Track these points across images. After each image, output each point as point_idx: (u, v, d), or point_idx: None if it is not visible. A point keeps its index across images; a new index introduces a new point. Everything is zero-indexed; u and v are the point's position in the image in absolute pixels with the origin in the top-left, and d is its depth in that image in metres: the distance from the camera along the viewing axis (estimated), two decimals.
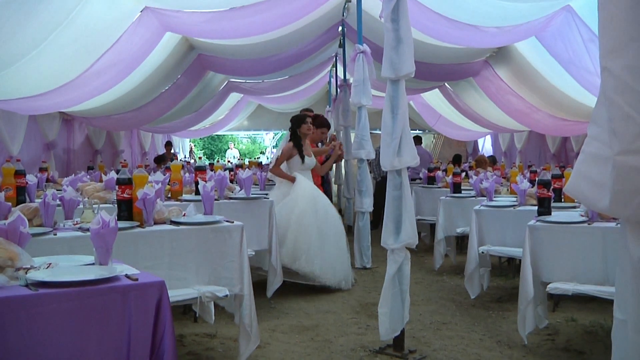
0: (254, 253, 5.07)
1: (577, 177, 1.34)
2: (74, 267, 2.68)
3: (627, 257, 1.27)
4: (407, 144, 4.32)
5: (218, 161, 13.67)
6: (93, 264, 2.74)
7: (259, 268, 5.82)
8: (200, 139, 29.33)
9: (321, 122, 7.88)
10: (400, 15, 4.25)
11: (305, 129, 6.71)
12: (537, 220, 4.57)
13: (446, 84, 12.34)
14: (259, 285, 5.44)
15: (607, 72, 1.25)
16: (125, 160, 11.99)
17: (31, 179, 5.51)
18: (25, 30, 5.67)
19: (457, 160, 13.07)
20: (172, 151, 15.37)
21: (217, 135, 26.78)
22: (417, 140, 13.17)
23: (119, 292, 2.42)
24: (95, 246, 2.68)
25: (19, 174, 5.23)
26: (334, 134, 9.71)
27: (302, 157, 6.65)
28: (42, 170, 8.20)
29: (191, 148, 22.02)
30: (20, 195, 5.15)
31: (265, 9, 7.41)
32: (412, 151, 4.33)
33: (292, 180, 6.58)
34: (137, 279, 2.49)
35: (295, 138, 6.71)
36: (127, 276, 2.53)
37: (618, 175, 1.21)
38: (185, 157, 18.24)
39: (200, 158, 9.11)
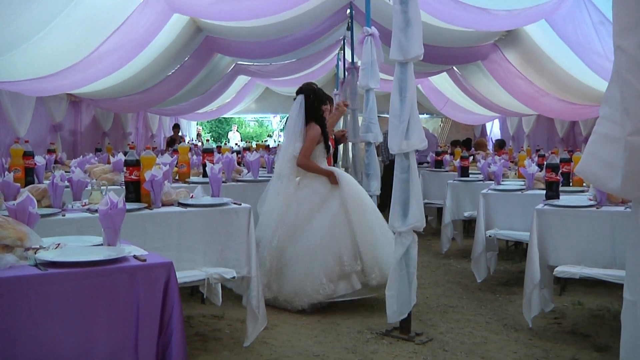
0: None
1: (589, 157, 1.33)
2: (82, 247, 2.69)
3: (638, 238, 1.26)
4: (415, 127, 4.30)
5: (225, 144, 13.67)
6: (101, 244, 2.75)
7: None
8: (208, 121, 29.29)
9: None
10: None
11: (326, 112, 5.57)
12: (545, 204, 4.57)
13: (454, 67, 12.27)
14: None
15: (620, 50, 1.24)
16: (133, 142, 12.03)
17: (39, 160, 5.54)
18: (31, 11, 5.66)
19: (467, 144, 13.04)
20: (180, 134, 15.37)
21: (224, 118, 26.76)
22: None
23: (127, 273, 2.43)
24: (104, 227, 2.69)
25: (28, 155, 5.25)
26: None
27: (327, 146, 5.43)
28: (49, 151, 8.22)
29: (199, 131, 22.01)
30: (29, 176, 5.17)
31: None
32: (420, 134, 4.32)
33: (328, 175, 5.32)
34: (145, 260, 2.50)
35: (318, 115, 5.42)
36: (135, 257, 2.54)
37: (630, 156, 1.19)
38: (192, 140, 18.23)
39: (207, 140, 9.09)
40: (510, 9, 7.28)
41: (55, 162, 7.53)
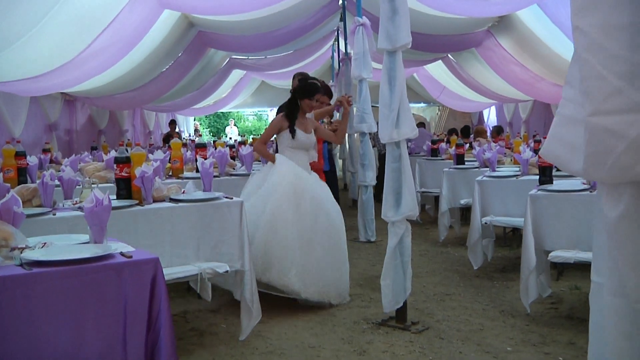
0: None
1: (552, 140, 1.32)
2: (69, 245, 2.68)
3: (602, 220, 1.26)
4: (405, 116, 4.28)
5: (220, 138, 13.66)
6: (88, 242, 2.73)
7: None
8: (206, 116, 29.28)
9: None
10: None
11: (306, 105, 5.23)
12: (539, 190, 4.55)
13: (449, 55, 12.27)
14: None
15: (579, 31, 1.22)
16: (129, 140, 12.02)
17: (32, 160, 5.52)
18: (19, 10, 5.64)
19: (465, 131, 13.02)
20: (177, 130, 15.36)
21: (222, 112, 26.72)
22: (420, 124, 13.11)
23: (114, 270, 2.42)
24: (90, 224, 2.68)
25: (20, 155, 5.24)
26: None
27: (293, 132, 5.10)
28: (45, 151, 8.21)
29: (196, 127, 21.99)
30: (22, 176, 5.16)
31: None
32: (411, 123, 4.29)
33: (273, 160, 5.14)
34: (131, 256, 2.48)
35: (291, 106, 5.23)
36: (122, 254, 2.52)
37: (590, 137, 1.19)
38: (190, 136, 18.23)
39: (200, 135, 9.08)
40: None
41: (51, 161, 7.53)
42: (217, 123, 33.22)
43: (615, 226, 1.22)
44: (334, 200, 5.23)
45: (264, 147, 5.34)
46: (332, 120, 7.93)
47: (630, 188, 1.21)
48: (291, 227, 4.75)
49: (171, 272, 3.70)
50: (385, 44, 4.27)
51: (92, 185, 3.92)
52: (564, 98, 1.30)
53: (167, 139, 13.15)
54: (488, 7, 7.74)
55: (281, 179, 4.90)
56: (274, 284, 4.67)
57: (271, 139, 5.53)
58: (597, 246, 1.31)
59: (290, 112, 5.17)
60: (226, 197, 4.12)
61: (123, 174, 3.95)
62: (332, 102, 6.11)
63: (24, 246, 2.52)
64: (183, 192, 4.16)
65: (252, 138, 13.11)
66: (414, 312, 4.60)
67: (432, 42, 9.84)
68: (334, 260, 4.93)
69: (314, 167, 5.49)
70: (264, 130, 5.42)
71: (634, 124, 1.15)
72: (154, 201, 3.93)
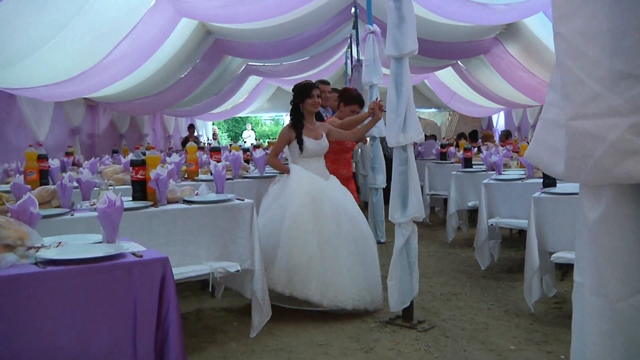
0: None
1: (536, 143, 1.31)
2: (82, 245, 2.70)
3: (582, 222, 1.25)
4: (411, 120, 4.27)
5: (235, 142, 13.71)
6: (101, 242, 2.75)
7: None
8: (224, 121, 29.35)
9: (350, 97, 6.00)
10: None
11: (310, 105, 4.97)
12: (542, 192, 4.53)
13: (459, 61, 12.22)
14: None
15: (560, 37, 1.22)
16: (149, 143, 12.07)
17: (53, 162, 5.57)
18: (42, 19, 5.69)
19: (473, 135, 12.98)
20: (195, 134, 15.42)
21: (240, 117, 26.77)
22: (432, 136, 13.13)
23: (124, 269, 2.43)
24: (103, 225, 2.70)
25: (42, 158, 5.29)
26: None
27: (300, 142, 4.88)
28: (67, 154, 8.28)
29: (214, 131, 22.06)
30: (44, 178, 5.21)
31: None
32: (417, 127, 4.28)
33: (287, 171, 4.92)
34: (141, 256, 2.49)
35: (295, 116, 5.03)
36: (133, 253, 2.53)
37: (571, 140, 1.18)
38: (208, 140, 18.29)
39: (215, 139, 9.10)
40: (508, 3, 7.22)
41: (73, 164, 7.59)
42: (235, 127, 33.32)
43: (595, 227, 1.22)
44: (355, 204, 5.01)
45: (276, 160, 5.09)
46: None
47: (610, 190, 1.20)
48: (312, 237, 4.50)
49: (184, 271, 3.72)
50: (393, 51, 4.26)
51: (109, 187, 3.95)
52: (547, 102, 1.30)
53: (185, 142, 13.22)
54: (496, 15, 7.71)
55: (297, 188, 4.66)
56: (297, 295, 4.43)
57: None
58: (579, 247, 1.31)
59: (296, 122, 4.97)
60: (238, 199, 4.13)
61: (139, 176, 3.98)
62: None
63: (39, 245, 2.54)
64: (196, 194, 4.17)
65: (268, 142, 13.11)
66: (420, 311, 4.58)
67: (442, 49, 9.82)
68: (365, 264, 4.65)
69: (343, 174, 5.44)
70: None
71: (612, 128, 1.14)
72: (168, 202, 3.96)
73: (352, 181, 5.83)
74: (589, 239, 1.22)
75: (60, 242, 2.68)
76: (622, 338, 1.19)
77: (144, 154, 4.14)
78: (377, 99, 5.29)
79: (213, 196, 4.18)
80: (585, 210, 1.24)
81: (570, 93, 1.18)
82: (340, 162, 5.79)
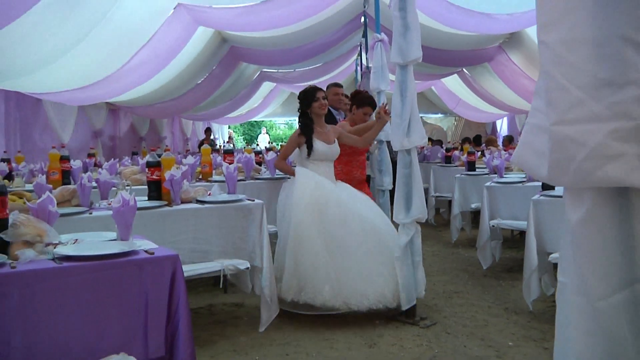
0: (275, 229, 4.83)
1: (522, 147, 1.31)
2: (97, 242, 2.71)
3: (567, 223, 1.24)
4: (415, 125, 4.26)
5: (249, 145, 13.74)
6: (115, 239, 2.76)
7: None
8: (241, 125, 29.42)
9: (362, 100, 5.73)
10: (407, 4, 4.17)
11: (317, 108, 4.77)
12: (541, 195, 4.51)
13: (464, 69, 12.17)
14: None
15: (544, 45, 1.22)
16: (167, 145, 12.12)
17: (75, 163, 5.60)
18: (66, 27, 5.73)
19: (476, 140, 12.93)
20: (212, 137, 15.47)
21: (255, 121, 26.80)
22: (437, 141, 13.07)
23: (136, 265, 2.43)
24: (117, 223, 2.71)
25: (64, 159, 5.32)
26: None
27: (310, 147, 4.69)
28: (90, 155, 8.34)
29: (230, 134, 22.11)
30: (66, 178, 5.24)
31: (291, 2, 7.38)
32: (421, 131, 4.27)
33: (294, 174, 4.72)
34: (153, 253, 2.50)
35: (304, 121, 4.81)
36: (145, 251, 2.54)
37: (554, 145, 1.18)
38: (224, 143, 18.34)
39: (228, 142, 9.12)
40: (511, 13, 7.19)
41: (95, 165, 7.63)
42: (251, 131, 33.39)
43: (577, 229, 1.21)
44: (368, 200, 4.82)
45: (283, 163, 4.90)
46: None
47: (591, 193, 1.20)
48: (318, 241, 4.27)
49: (196, 268, 3.73)
50: (398, 59, 4.26)
51: (126, 187, 3.97)
52: (533, 108, 1.30)
53: (202, 145, 13.26)
54: (499, 24, 7.68)
55: (302, 191, 4.45)
56: (312, 302, 4.19)
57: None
58: (563, 248, 1.31)
59: (305, 127, 4.75)
60: (248, 199, 4.14)
61: (154, 177, 3.99)
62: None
63: (56, 242, 2.56)
64: (209, 194, 4.18)
65: (280, 145, 13.12)
66: (423, 308, 4.56)
67: (447, 57, 9.80)
68: (382, 261, 4.35)
69: (357, 177, 5.30)
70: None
71: (594, 133, 1.14)
72: (182, 202, 3.97)
73: (365, 184, 5.62)
74: (571, 240, 1.22)
75: (76, 239, 2.69)
76: (602, 336, 1.18)
77: (160, 156, 4.15)
78: (383, 104, 5.04)
79: (225, 196, 4.19)
80: (568, 212, 1.24)
81: (553, 99, 1.18)
82: (354, 164, 5.49)
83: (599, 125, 1.13)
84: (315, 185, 4.52)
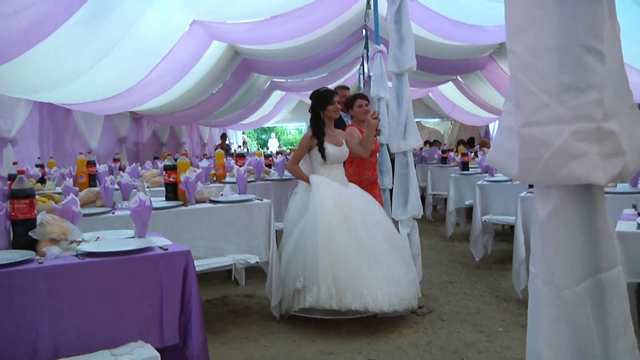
0: (282, 226, 4.62)
1: (495, 148, 1.31)
2: (116, 240, 2.72)
3: (536, 217, 1.24)
4: (411, 129, 4.26)
5: (259, 149, 13.75)
6: (133, 237, 2.77)
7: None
8: (254, 130, 29.44)
9: (350, 100, 5.41)
10: (402, 17, 4.18)
11: (331, 111, 4.37)
12: (528, 192, 4.48)
13: (458, 77, 12.13)
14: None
15: (512, 53, 1.22)
16: (185, 150, 12.14)
17: (101, 167, 5.62)
18: (93, 44, 5.75)
19: (470, 142, 12.89)
20: (227, 142, 15.48)
21: (267, 127, 26.79)
22: (435, 142, 13.04)
23: (151, 260, 2.44)
24: (134, 222, 2.72)
25: (91, 163, 5.33)
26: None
27: (322, 150, 4.29)
28: (115, 160, 8.35)
29: (244, 139, 22.14)
30: (92, 181, 5.25)
31: (298, 17, 7.36)
32: (416, 135, 4.27)
33: (307, 180, 4.30)
34: (167, 249, 2.50)
35: (316, 123, 4.40)
36: (160, 247, 2.55)
37: (523, 145, 1.18)
38: (238, 147, 18.36)
39: (240, 146, 9.11)
40: (499, 25, 7.15)
41: (120, 169, 7.65)
42: (264, 136, 33.41)
43: (545, 223, 1.21)
44: (379, 207, 4.44)
45: (296, 167, 4.38)
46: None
47: (558, 190, 1.19)
48: (350, 248, 3.91)
49: (209, 262, 3.73)
50: (394, 68, 4.26)
51: (146, 189, 3.98)
52: (504, 111, 1.30)
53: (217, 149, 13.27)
54: (488, 35, 7.62)
55: (323, 201, 4.07)
56: (353, 307, 3.79)
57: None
58: (533, 241, 1.30)
59: (317, 129, 4.35)
60: (257, 199, 4.14)
61: (171, 179, 4.00)
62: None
63: (80, 240, 2.57)
64: (221, 195, 4.18)
65: (290, 149, 13.12)
66: (420, 298, 4.54)
67: (442, 66, 9.76)
68: (405, 264, 4.09)
69: (368, 178, 5.01)
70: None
71: (557, 134, 1.14)
72: (197, 202, 3.98)
73: (377, 185, 5.30)
74: (540, 234, 1.22)
75: (97, 237, 2.70)
76: (567, 322, 1.17)
77: (176, 160, 4.16)
78: (374, 112, 4.58)
79: (236, 196, 4.19)
80: (537, 208, 1.24)
81: (521, 103, 1.18)
82: (366, 165, 5.06)
83: (563, 126, 1.13)
84: (334, 192, 4.17)
